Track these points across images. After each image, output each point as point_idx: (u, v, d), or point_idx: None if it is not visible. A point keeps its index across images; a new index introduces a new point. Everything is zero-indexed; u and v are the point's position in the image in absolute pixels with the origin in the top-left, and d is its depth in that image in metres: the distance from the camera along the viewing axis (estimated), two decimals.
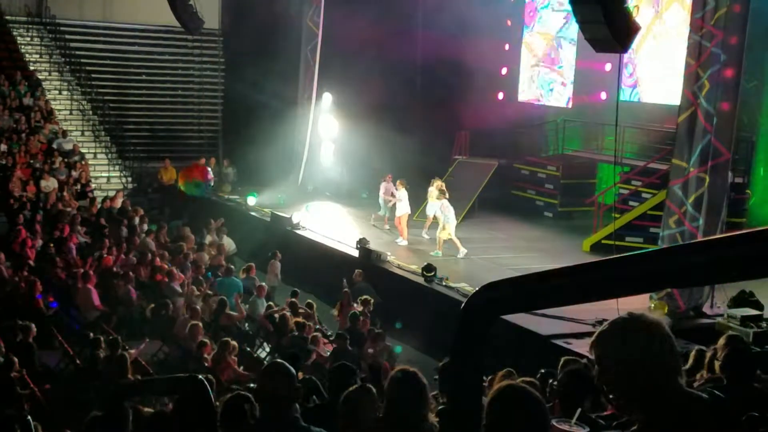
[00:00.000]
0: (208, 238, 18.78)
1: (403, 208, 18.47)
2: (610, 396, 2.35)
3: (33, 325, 11.66)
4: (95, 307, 14.09)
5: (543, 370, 6.97)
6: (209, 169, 21.36)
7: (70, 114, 26.13)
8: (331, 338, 13.24)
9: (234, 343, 12.00)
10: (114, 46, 27.75)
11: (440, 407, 5.35)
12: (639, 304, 13.02)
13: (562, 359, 5.96)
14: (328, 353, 12.19)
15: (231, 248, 18.82)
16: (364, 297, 14.30)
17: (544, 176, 22.56)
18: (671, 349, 2.30)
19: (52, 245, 16.71)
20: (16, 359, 10.14)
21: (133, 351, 11.37)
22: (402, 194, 18.48)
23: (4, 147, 22.31)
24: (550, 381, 5.27)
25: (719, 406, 2.36)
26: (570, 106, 23.23)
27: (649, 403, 2.27)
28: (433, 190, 17.73)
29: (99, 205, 20.92)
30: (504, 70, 24.80)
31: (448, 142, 24.21)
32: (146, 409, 6.21)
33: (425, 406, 4.22)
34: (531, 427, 2.53)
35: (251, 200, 22.17)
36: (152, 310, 13.95)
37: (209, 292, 15.18)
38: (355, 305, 14.18)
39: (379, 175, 21.29)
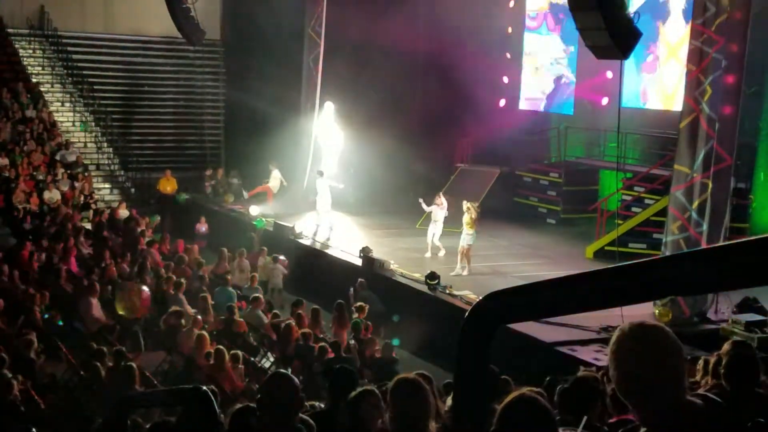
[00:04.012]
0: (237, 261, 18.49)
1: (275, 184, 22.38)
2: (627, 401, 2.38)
3: (34, 339, 11.67)
4: (97, 319, 14.08)
5: (549, 378, 6.95)
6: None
7: (73, 126, 26.19)
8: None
9: (237, 352, 11.99)
10: (116, 58, 27.85)
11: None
12: (643, 310, 13.01)
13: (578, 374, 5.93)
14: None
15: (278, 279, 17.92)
16: (358, 304, 14.33)
17: (546, 183, 22.55)
18: (676, 360, 2.32)
19: (56, 257, 16.72)
20: (20, 377, 10.12)
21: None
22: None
23: (6, 160, 22.36)
24: (558, 388, 5.25)
25: (717, 412, 2.36)
26: (572, 112, 23.25)
27: (656, 411, 2.29)
28: (471, 217, 16.73)
29: (102, 217, 20.94)
30: (505, 78, 24.83)
31: (450, 149, 24.23)
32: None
33: (427, 411, 4.22)
34: None
35: (254, 210, 22.17)
36: (161, 320, 13.95)
37: (212, 302, 15.20)
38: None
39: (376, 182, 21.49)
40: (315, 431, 4.70)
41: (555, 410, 4.64)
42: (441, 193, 18.53)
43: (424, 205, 18.27)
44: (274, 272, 17.84)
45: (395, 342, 13.50)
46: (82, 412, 9.77)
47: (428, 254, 17.97)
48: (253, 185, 24.43)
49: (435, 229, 17.85)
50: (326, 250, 18.74)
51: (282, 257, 18.11)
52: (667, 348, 2.30)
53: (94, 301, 14.31)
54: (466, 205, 16.94)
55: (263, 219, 21.21)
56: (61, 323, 13.86)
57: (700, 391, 5.17)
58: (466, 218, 16.76)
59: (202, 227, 21.77)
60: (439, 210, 17.88)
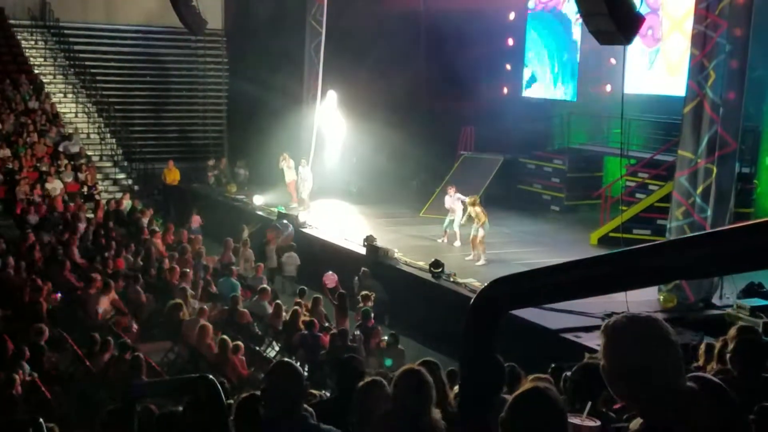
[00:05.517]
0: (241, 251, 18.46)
1: (291, 175, 21.74)
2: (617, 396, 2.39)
3: (45, 328, 11.69)
4: (102, 310, 14.09)
5: (553, 365, 6.95)
6: None
7: (76, 117, 26.19)
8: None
9: (238, 342, 12.01)
10: (118, 48, 27.83)
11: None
12: (648, 295, 13.02)
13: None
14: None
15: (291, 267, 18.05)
16: (364, 293, 14.30)
17: (550, 170, 22.51)
18: (674, 350, 2.31)
19: (59, 248, 16.74)
20: (24, 368, 10.13)
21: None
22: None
23: (9, 151, 22.36)
24: (563, 375, 5.26)
25: (717, 395, 2.36)
26: (576, 99, 23.17)
27: (653, 404, 2.29)
28: (476, 211, 16.64)
29: (105, 208, 20.94)
30: (508, 66, 24.75)
31: (453, 137, 24.18)
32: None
33: (428, 401, 4.30)
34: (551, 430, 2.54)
35: (258, 199, 22.18)
36: (163, 311, 13.96)
37: (216, 292, 15.22)
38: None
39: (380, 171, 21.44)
40: (320, 419, 4.72)
41: (561, 396, 4.63)
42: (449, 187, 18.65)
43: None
44: (288, 260, 17.85)
45: (387, 363, 13.23)
46: (88, 403, 9.80)
47: (444, 240, 17.99)
48: (258, 175, 24.45)
49: (453, 216, 17.86)
50: (330, 240, 18.74)
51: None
52: (659, 338, 2.30)
53: (98, 293, 14.31)
54: (468, 201, 16.96)
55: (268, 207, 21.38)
56: (65, 314, 13.88)
57: (699, 373, 5.16)
58: (472, 212, 16.77)
59: (195, 223, 21.37)
60: (449, 199, 17.93)
